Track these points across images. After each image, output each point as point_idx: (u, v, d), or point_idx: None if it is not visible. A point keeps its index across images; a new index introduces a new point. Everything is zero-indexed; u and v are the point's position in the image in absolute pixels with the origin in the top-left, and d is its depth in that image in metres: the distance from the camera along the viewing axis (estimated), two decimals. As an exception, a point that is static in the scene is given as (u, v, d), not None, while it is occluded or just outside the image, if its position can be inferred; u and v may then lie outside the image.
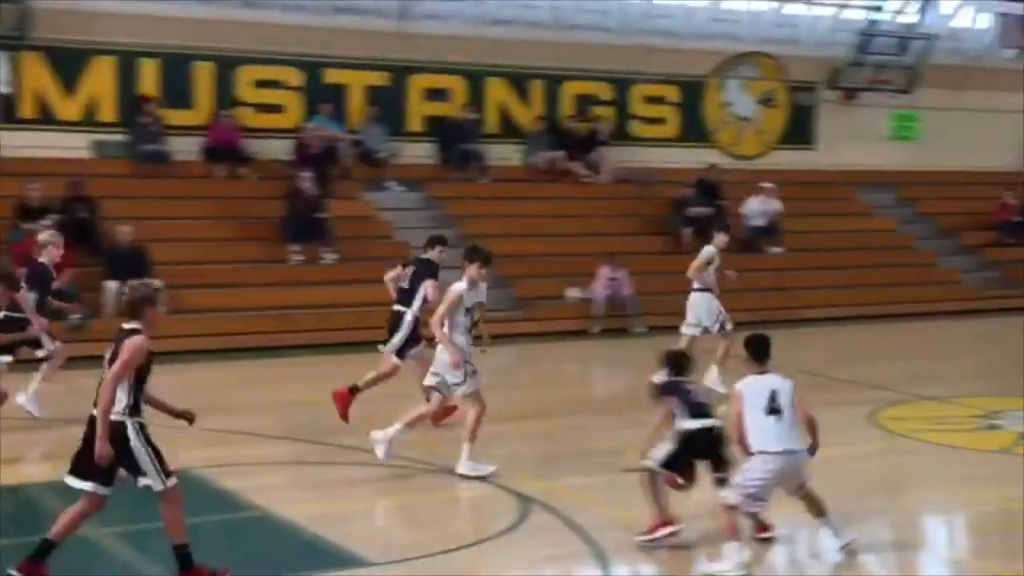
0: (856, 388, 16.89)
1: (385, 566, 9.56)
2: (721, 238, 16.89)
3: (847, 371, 18.16)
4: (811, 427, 9.60)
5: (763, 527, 10.05)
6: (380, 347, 14.40)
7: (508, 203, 24.11)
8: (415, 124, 24.80)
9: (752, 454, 9.45)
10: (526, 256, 22.50)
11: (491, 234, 21.99)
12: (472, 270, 12.32)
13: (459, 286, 12.21)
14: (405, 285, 14.30)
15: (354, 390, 14.03)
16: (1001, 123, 29.41)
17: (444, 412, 13.80)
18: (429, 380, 12.27)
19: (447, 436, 13.67)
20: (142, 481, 8.48)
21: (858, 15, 28.10)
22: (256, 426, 14.05)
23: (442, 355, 12.09)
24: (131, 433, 8.39)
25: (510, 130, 25.48)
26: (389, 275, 14.59)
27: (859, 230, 26.55)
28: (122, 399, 8.34)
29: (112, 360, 8.41)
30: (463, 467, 12.09)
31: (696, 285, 16.64)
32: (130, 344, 8.37)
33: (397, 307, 14.35)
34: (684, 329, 16.63)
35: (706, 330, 16.57)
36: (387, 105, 24.37)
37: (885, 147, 28.80)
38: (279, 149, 23.20)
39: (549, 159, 25.33)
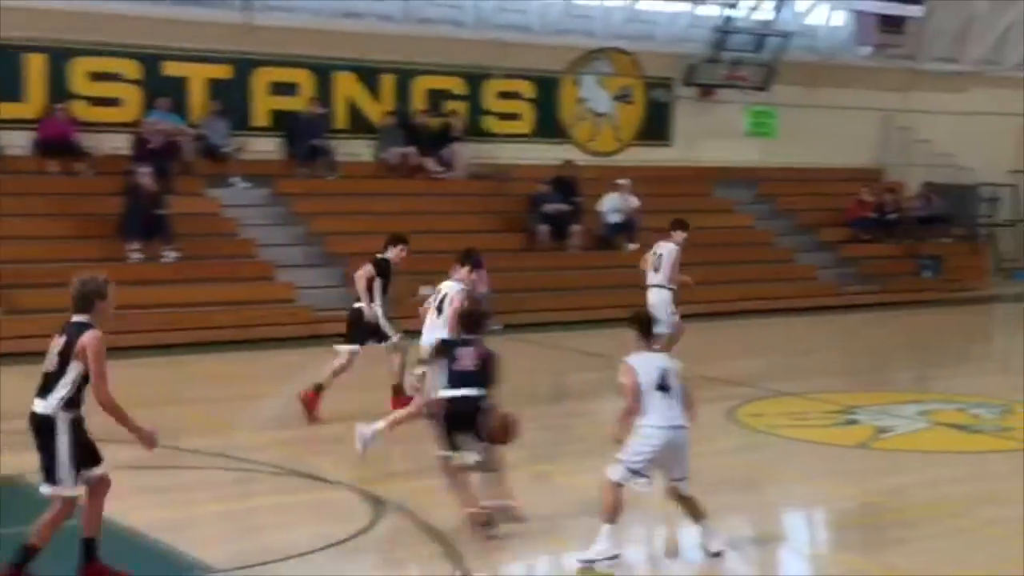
0: (715, 385, 17.02)
1: (230, 572, 9.33)
2: (679, 235, 17.85)
3: (705, 368, 18.20)
4: (690, 404, 9.74)
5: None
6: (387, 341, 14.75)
7: (358, 199, 23.89)
8: (260, 118, 24.45)
9: (638, 429, 9.53)
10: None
11: (341, 231, 21.84)
12: (463, 273, 12.91)
13: (457, 287, 12.83)
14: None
15: (398, 390, 14.39)
16: (857, 120, 29.98)
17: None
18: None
19: (295, 438, 13.48)
20: (47, 489, 8.46)
21: (713, 11, 28.38)
22: (94, 429, 13.64)
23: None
24: (60, 426, 8.39)
25: (360, 125, 25.25)
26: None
27: (717, 227, 26.80)
28: (60, 392, 8.40)
29: (64, 354, 8.44)
30: (366, 427, 12.20)
31: (660, 282, 17.62)
32: (91, 338, 8.41)
33: (359, 304, 14.80)
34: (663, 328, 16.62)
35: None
36: (230, 99, 23.98)
37: (742, 144, 29.13)
38: (116, 144, 22.65)
39: (400, 155, 25.16)
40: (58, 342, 8.51)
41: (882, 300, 26.32)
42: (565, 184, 25.13)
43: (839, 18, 30.56)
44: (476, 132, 26.20)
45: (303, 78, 24.73)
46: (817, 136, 29.25)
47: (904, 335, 23.65)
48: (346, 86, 25.16)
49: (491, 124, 26.55)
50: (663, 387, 9.51)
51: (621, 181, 25.30)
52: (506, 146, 26.32)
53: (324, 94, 24.80)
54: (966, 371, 20.19)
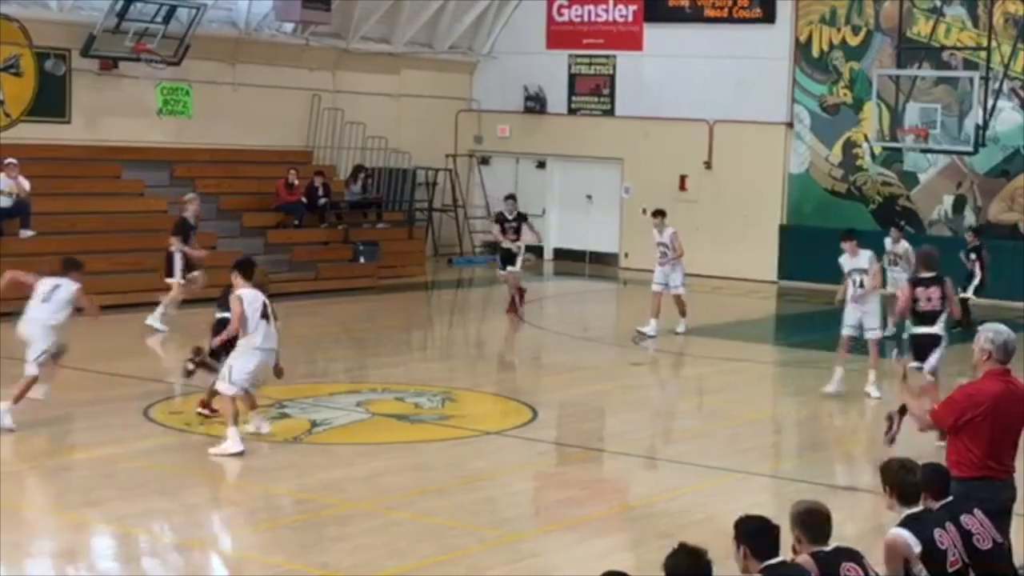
0: (127, 382, 16.71)
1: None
2: None
3: (116, 364, 17.74)
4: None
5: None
6: None
7: None
8: None
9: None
10: None
11: None
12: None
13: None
14: None
15: None
16: (283, 100, 30.11)
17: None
18: None
19: None
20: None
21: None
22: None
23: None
24: (943, 342, 14.89)
25: None
26: None
27: (128, 211, 26.10)
28: (942, 318, 14.73)
29: (943, 296, 14.43)
30: None
31: None
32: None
33: None
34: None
35: None
36: None
37: (155, 122, 28.44)
38: None
39: None
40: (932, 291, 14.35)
41: (316, 287, 26.45)
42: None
43: (260, -8, 30.13)
44: None
45: None
46: (239, 116, 29.13)
47: (340, 323, 23.87)
48: None
49: None
50: (266, 316, 13.69)
51: (9, 161, 23.95)
52: None
53: None
54: (405, 359, 20.64)
